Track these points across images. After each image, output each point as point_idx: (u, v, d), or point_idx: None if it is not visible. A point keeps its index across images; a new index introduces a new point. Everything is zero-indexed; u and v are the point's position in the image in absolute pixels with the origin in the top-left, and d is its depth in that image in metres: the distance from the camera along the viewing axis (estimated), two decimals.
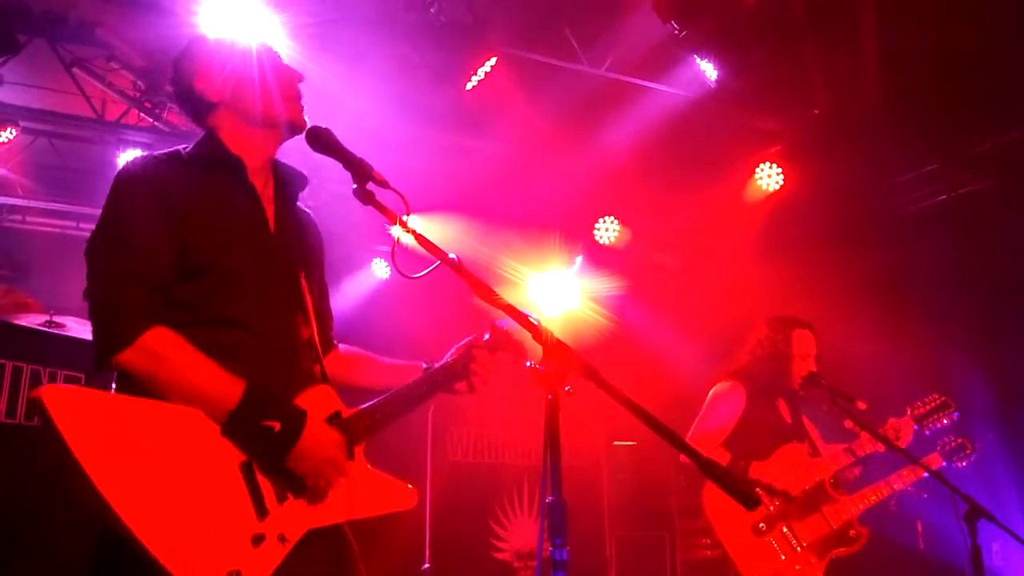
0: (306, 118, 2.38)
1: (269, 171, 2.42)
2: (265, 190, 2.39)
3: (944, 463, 4.40)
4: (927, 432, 4.42)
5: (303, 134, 2.29)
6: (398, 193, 2.15)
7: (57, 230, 8.05)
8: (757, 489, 4.00)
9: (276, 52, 2.45)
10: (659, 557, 8.07)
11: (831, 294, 6.56)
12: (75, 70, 6.50)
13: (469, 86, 5.94)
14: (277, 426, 2.08)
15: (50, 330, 4.55)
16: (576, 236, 8.00)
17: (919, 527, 5.63)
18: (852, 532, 4.29)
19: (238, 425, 2.06)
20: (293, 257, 2.40)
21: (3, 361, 3.92)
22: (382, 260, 8.34)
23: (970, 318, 6.43)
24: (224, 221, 2.24)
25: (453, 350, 2.67)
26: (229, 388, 2.06)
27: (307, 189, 2.54)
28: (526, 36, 6.06)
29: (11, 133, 6.61)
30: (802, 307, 4.99)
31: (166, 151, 2.32)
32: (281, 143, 2.42)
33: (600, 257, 8.06)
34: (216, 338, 2.13)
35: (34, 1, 5.71)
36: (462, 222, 7.13)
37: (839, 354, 5.01)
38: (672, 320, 7.96)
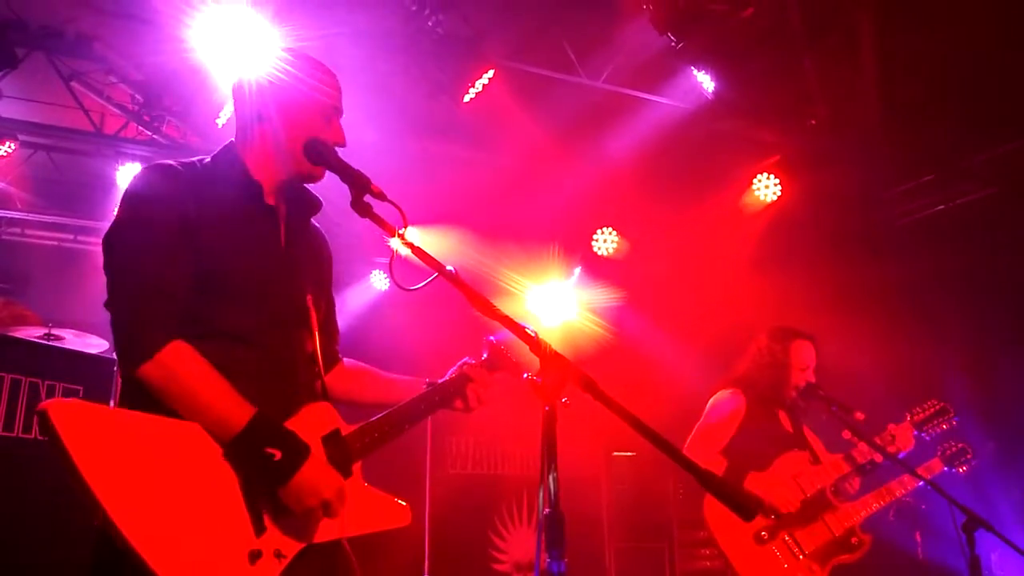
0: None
1: (284, 191, 2.42)
2: (279, 207, 2.40)
3: (945, 468, 4.40)
4: (927, 437, 4.43)
5: (308, 152, 2.30)
6: (395, 205, 2.16)
7: (55, 243, 8.07)
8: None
9: (337, 85, 2.43)
10: (658, 568, 8.04)
11: (829, 305, 6.57)
12: (73, 84, 6.53)
13: (467, 98, 5.95)
14: (278, 455, 2.08)
15: (48, 342, 4.56)
16: (574, 247, 8.01)
17: (918, 537, 5.62)
18: (854, 539, 4.29)
19: (240, 449, 2.07)
20: (302, 274, 2.41)
21: (1, 374, 3.92)
22: (381, 272, 8.35)
23: (968, 328, 6.43)
24: (234, 235, 2.24)
25: (454, 368, 2.69)
26: (238, 411, 2.07)
27: None
28: (524, 48, 6.08)
29: (10, 147, 6.63)
30: (800, 318, 4.99)
31: (181, 161, 2.32)
32: (301, 181, 2.41)
33: (598, 268, 8.06)
34: (220, 351, 2.14)
35: (32, 15, 5.74)
36: (460, 234, 7.14)
37: (838, 364, 5.01)
38: (670, 331, 7.96)
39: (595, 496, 8.10)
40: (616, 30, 5.98)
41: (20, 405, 3.93)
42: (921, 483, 4.05)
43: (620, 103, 6.41)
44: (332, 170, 2.26)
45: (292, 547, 2.14)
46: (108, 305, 2.13)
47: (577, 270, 8.06)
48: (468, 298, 2.04)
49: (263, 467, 2.08)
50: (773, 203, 7.21)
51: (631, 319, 8.02)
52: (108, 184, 6.76)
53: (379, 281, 8.40)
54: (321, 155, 2.28)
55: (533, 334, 1.96)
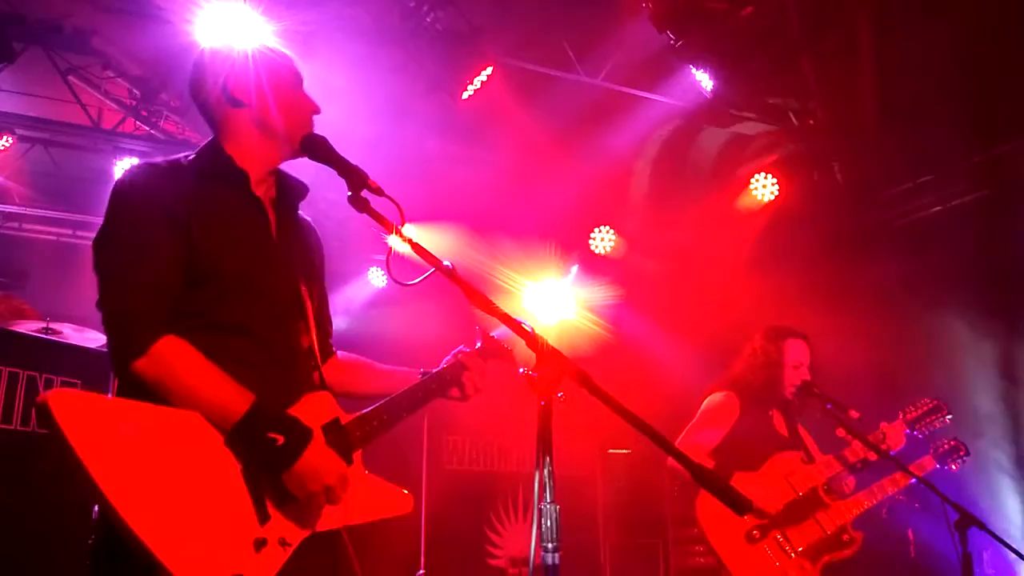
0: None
1: (272, 180, 2.43)
2: (267, 199, 2.41)
3: (937, 466, 4.41)
4: (920, 436, 4.44)
5: (301, 145, 2.32)
6: (393, 201, 2.16)
7: (53, 238, 8.06)
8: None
9: (302, 76, 2.46)
10: (652, 565, 8.07)
11: (825, 304, 6.58)
12: (71, 78, 6.53)
13: (465, 95, 5.95)
14: (281, 440, 2.09)
15: (47, 337, 4.56)
16: (572, 246, 8.02)
17: (910, 535, 5.64)
18: (846, 537, 4.30)
19: (242, 435, 2.07)
20: (294, 265, 2.41)
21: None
22: (378, 269, 8.36)
23: (965, 328, 6.45)
24: (226, 229, 2.25)
25: (448, 357, 2.70)
26: (238, 399, 2.08)
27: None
28: (522, 46, 6.09)
29: (7, 141, 6.62)
30: (797, 317, 5.01)
31: (166, 159, 2.33)
32: (285, 159, 2.43)
33: (595, 266, 8.08)
34: (217, 344, 2.14)
35: (30, 9, 5.73)
36: (457, 231, 7.15)
37: (833, 363, 5.03)
38: (666, 329, 7.97)
39: (591, 493, 8.13)
40: (615, 28, 5.99)
41: (18, 398, 3.93)
42: (914, 481, 4.06)
43: (619, 101, 6.42)
44: (330, 165, 2.27)
45: (297, 535, 2.14)
46: (99, 304, 2.13)
47: (574, 268, 8.07)
48: (465, 294, 2.05)
49: (266, 452, 2.09)
50: (770, 203, 7.23)
51: (628, 317, 8.04)
52: (106, 179, 6.73)
53: (377, 278, 8.40)
54: (319, 150, 2.29)
55: (530, 329, 1.97)
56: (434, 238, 6.94)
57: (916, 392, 4.66)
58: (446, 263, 2.11)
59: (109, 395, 2.13)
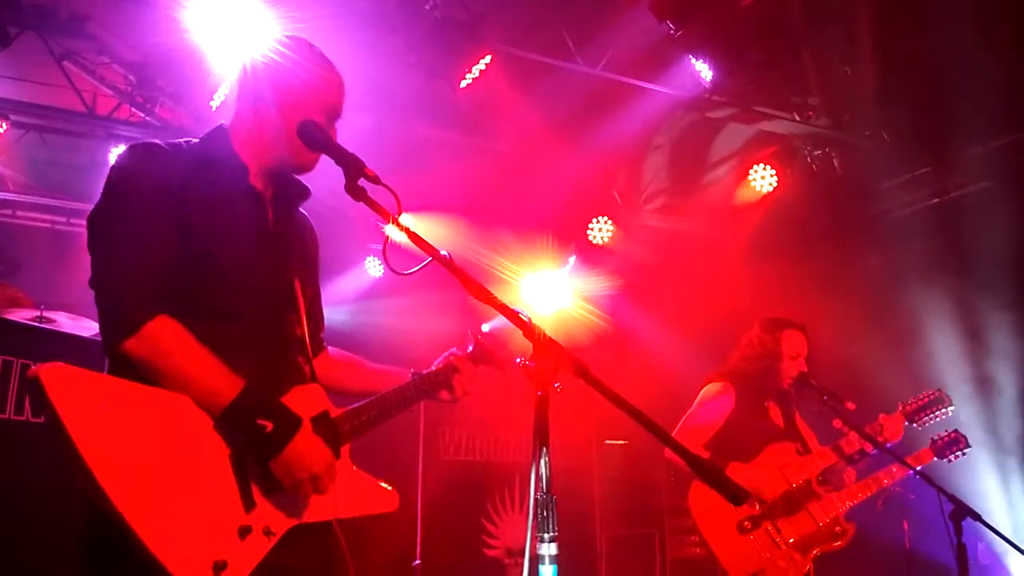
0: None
1: (272, 175, 2.41)
2: (265, 191, 2.39)
3: (936, 459, 4.39)
4: (919, 427, 4.43)
5: (302, 133, 2.29)
6: (390, 189, 2.15)
7: (48, 225, 8.02)
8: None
9: (342, 88, 2.42)
10: (648, 555, 8.10)
11: (824, 295, 6.58)
12: (65, 64, 6.47)
13: (463, 84, 5.92)
14: (270, 426, 2.08)
15: (41, 325, 4.54)
16: (569, 236, 8.01)
17: (905, 526, 5.65)
18: (838, 528, 4.31)
19: (231, 420, 2.07)
20: (289, 257, 2.40)
21: None
22: (375, 258, 8.34)
23: (961, 320, 6.46)
24: (222, 216, 2.24)
25: (440, 359, 2.71)
26: (228, 383, 2.07)
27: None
28: (522, 34, 6.05)
29: (1, 127, 6.58)
30: (794, 308, 5.00)
31: (168, 141, 2.31)
32: (285, 171, 2.40)
33: (593, 257, 8.07)
34: (209, 331, 2.13)
35: None
36: (454, 221, 7.13)
37: (830, 355, 5.03)
38: (664, 320, 7.98)
39: (587, 483, 8.15)
40: (615, 17, 5.95)
41: (11, 387, 3.92)
42: (909, 473, 4.06)
43: (618, 91, 6.39)
44: (326, 152, 2.25)
45: (282, 525, 2.14)
46: (92, 283, 2.11)
47: (572, 259, 8.06)
48: (462, 283, 2.04)
49: (254, 438, 2.08)
50: (769, 194, 7.22)
51: (625, 308, 8.04)
52: (101, 166, 6.70)
53: (373, 267, 8.38)
54: (315, 136, 2.26)
55: (526, 319, 1.96)
56: (431, 228, 6.92)
57: (913, 383, 4.66)
58: (443, 252, 2.10)
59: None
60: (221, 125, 2.40)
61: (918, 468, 3.97)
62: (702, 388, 4.62)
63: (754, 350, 4.54)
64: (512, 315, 1.99)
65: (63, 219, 7.99)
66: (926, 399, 4.43)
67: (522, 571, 1.71)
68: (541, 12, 6.09)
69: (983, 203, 6.45)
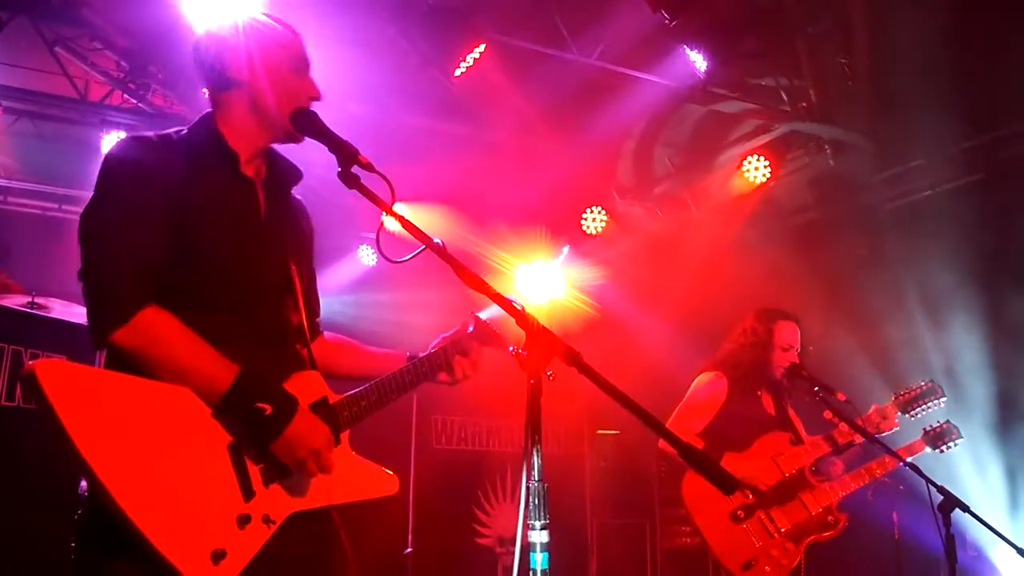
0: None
1: (262, 160, 2.40)
2: (257, 177, 2.38)
3: (927, 449, 4.41)
4: (911, 418, 4.45)
5: (290, 119, 2.28)
6: (383, 177, 2.14)
7: (39, 211, 7.98)
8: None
9: (310, 61, 2.41)
10: (639, 544, 8.13)
11: (816, 286, 6.61)
12: (58, 50, 6.43)
13: (457, 73, 5.90)
14: (268, 409, 2.08)
15: (32, 311, 4.53)
16: (563, 226, 8.00)
17: (895, 516, 5.69)
18: (830, 518, 4.33)
19: (229, 406, 2.06)
20: (283, 244, 2.39)
21: None
22: (368, 247, 8.32)
23: (954, 311, 6.48)
24: (215, 207, 2.23)
25: (438, 340, 2.69)
26: (223, 371, 2.07)
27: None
28: (516, 23, 6.03)
29: None
30: (787, 298, 5.02)
31: (158, 132, 2.29)
32: (278, 142, 2.39)
33: (587, 246, 8.07)
34: (206, 322, 2.13)
35: None
36: (447, 211, 7.12)
37: (823, 345, 5.05)
38: (657, 310, 7.99)
39: (578, 473, 8.17)
40: (609, 6, 5.94)
41: (2, 373, 3.91)
42: (900, 463, 4.08)
43: (612, 81, 6.38)
44: (320, 140, 2.24)
45: (280, 512, 2.14)
46: (81, 275, 2.09)
47: (565, 248, 8.05)
48: (456, 271, 2.04)
49: (254, 422, 2.08)
50: (762, 184, 7.22)
51: (618, 297, 8.04)
52: (93, 152, 6.66)
53: (366, 256, 8.37)
54: (309, 124, 2.26)
55: (520, 308, 1.96)
56: (423, 217, 6.91)
57: (905, 373, 4.68)
58: (436, 240, 2.10)
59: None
60: (207, 113, 2.38)
61: (908, 459, 3.99)
62: (694, 378, 4.63)
63: (747, 340, 4.56)
64: (505, 303, 1.99)
65: (55, 205, 7.95)
66: (919, 389, 4.45)
67: (513, 559, 1.71)
68: (535, 1, 6.07)
69: (974, 196, 6.47)
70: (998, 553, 5.87)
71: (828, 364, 4.74)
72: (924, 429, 4.46)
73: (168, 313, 2.08)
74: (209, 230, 2.19)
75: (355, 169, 2.17)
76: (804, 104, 6.67)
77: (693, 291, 7.57)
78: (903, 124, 6.54)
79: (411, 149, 6.67)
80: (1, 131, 7.19)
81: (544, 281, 7.71)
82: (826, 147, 7.12)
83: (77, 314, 5.10)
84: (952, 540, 3.47)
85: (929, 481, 3.60)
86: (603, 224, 7.99)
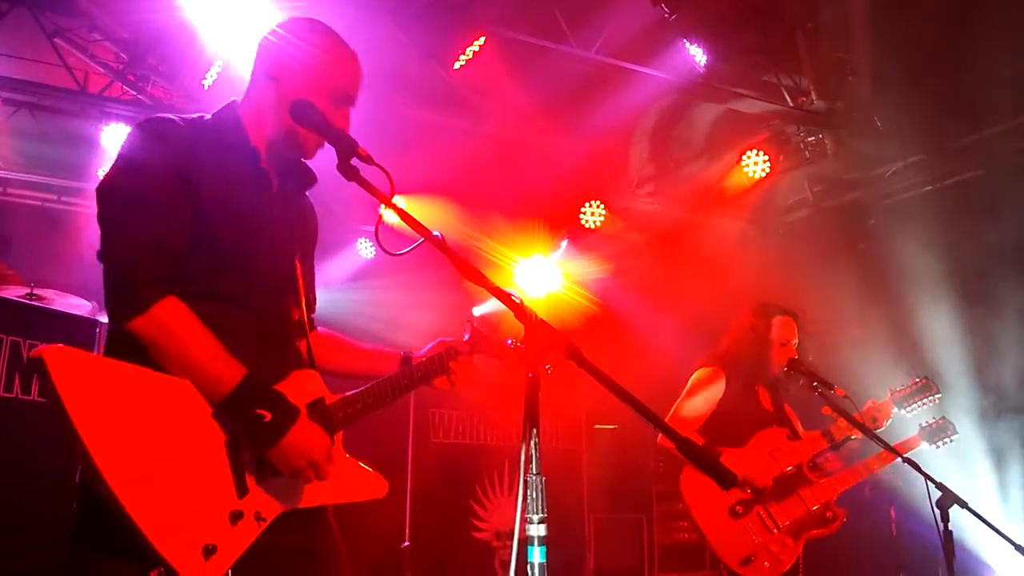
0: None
1: (278, 158, 2.40)
2: (274, 174, 2.38)
3: (924, 444, 4.42)
4: (908, 414, 4.46)
5: (294, 111, 2.27)
6: (383, 169, 2.13)
7: (38, 203, 7.97)
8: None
9: (355, 72, 2.40)
10: (637, 539, 8.15)
11: (816, 281, 6.60)
12: (57, 41, 6.41)
13: (457, 66, 5.89)
14: (268, 416, 2.08)
15: (31, 302, 4.54)
16: (562, 220, 8.00)
17: (892, 512, 5.70)
18: (829, 514, 4.34)
19: (230, 408, 2.07)
20: (291, 239, 2.40)
21: None
22: (366, 240, 8.32)
23: (953, 306, 6.49)
24: (231, 197, 2.22)
25: (434, 343, 2.69)
26: (229, 371, 2.07)
27: None
28: (516, 16, 6.02)
29: None
30: (786, 293, 5.02)
31: (183, 116, 2.28)
32: (284, 145, 2.36)
33: (585, 241, 8.06)
34: (213, 312, 2.13)
35: None
36: (447, 204, 7.11)
37: (822, 341, 5.05)
38: (655, 304, 7.99)
39: (576, 467, 8.17)
40: (609, 0, 5.92)
41: (1, 364, 3.91)
42: (898, 459, 4.08)
43: (611, 75, 6.37)
44: (317, 131, 2.23)
45: (272, 511, 2.15)
46: (101, 257, 2.09)
47: (564, 243, 8.05)
48: (454, 264, 2.03)
49: (253, 428, 2.08)
50: (761, 179, 7.22)
51: (617, 291, 8.05)
52: (92, 144, 6.66)
53: (365, 249, 8.36)
54: (307, 115, 2.25)
55: (518, 301, 1.96)
56: (422, 211, 6.90)
57: (903, 368, 4.68)
58: (435, 233, 2.09)
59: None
60: (233, 103, 2.38)
61: (906, 455, 3.99)
62: (692, 373, 4.63)
63: (745, 336, 4.55)
64: (504, 297, 1.99)
65: (54, 197, 7.93)
66: (914, 386, 4.46)
67: (511, 553, 1.71)
68: None
69: (976, 191, 6.47)
70: (994, 549, 5.88)
71: (825, 359, 4.74)
72: (920, 425, 4.46)
73: (184, 306, 2.07)
74: (223, 220, 2.19)
75: (354, 161, 2.17)
76: (803, 99, 6.66)
77: (691, 286, 7.58)
78: (903, 118, 6.53)
79: (410, 142, 6.65)
80: (0, 122, 7.17)
81: (542, 275, 7.73)
82: (825, 142, 7.12)
83: (74, 306, 5.10)
84: (950, 536, 3.47)
85: (927, 477, 3.60)
86: (602, 218, 7.98)
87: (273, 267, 2.32)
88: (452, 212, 7.13)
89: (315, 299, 2.64)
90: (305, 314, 2.43)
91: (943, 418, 4.43)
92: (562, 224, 7.96)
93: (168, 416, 2.01)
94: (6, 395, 3.90)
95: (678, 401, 4.51)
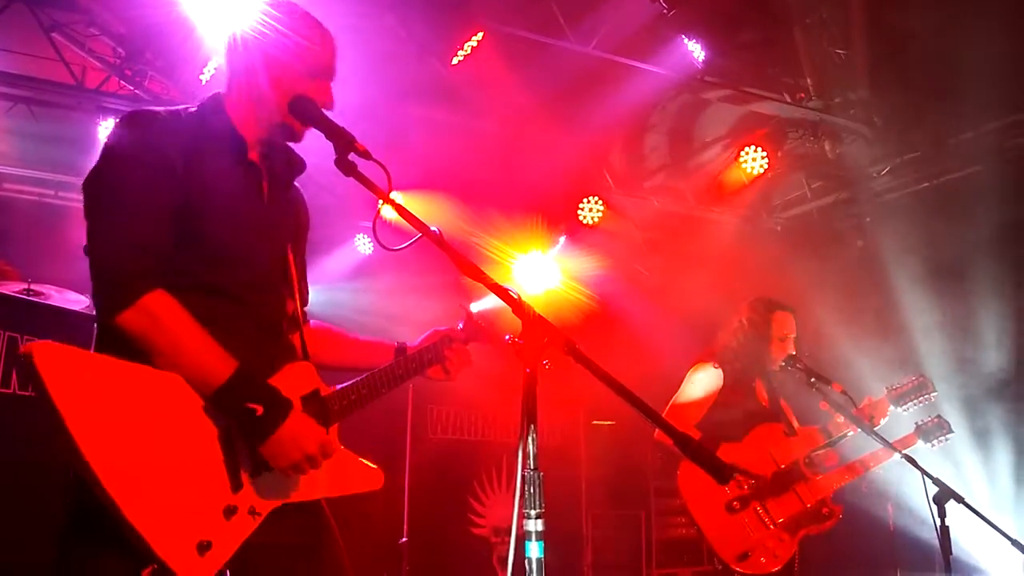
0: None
1: (268, 148, 2.40)
2: (262, 164, 2.38)
3: (920, 443, 4.43)
4: (904, 412, 4.46)
5: (294, 108, 2.27)
6: (380, 164, 2.13)
7: (35, 198, 7.96)
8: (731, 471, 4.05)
9: (332, 46, 2.40)
10: (635, 535, 8.16)
11: (814, 277, 6.60)
12: (54, 35, 6.39)
13: (455, 61, 5.88)
14: (260, 410, 2.08)
15: (28, 298, 4.53)
16: (560, 216, 7.99)
17: (890, 508, 5.71)
18: (825, 510, 4.34)
19: (221, 402, 2.06)
20: (283, 231, 2.39)
21: None
22: (364, 236, 8.30)
23: (950, 303, 6.50)
24: (219, 190, 2.22)
25: (429, 333, 2.68)
26: (221, 364, 2.06)
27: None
28: (513, 11, 6.00)
29: None
30: (784, 290, 5.02)
31: (167, 108, 2.28)
32: (275, 137, 2.38)
33: (583, 237, 8.05)
34: (204, 306, 2.12)
35: None
36: (444, 200, 7.10)
37: (819, 337, 5.06)
38: (653, 300, 7.99)
39: (574, 463, 8.18)
40: None
41: None
42: (895, 456, 4.09)
43: (609, 70, 6.36)
44: (316, 126, 2.24)
45: (267, 505, 2.15)
46: (88, 250, 2.08)
47: (562, 239, 8.04)
48: (452, 260, 2.03)
49: (245, 421, 2.08)
50: (759, 176, 7.22)
51: (614, 288, 8.04)
52: (89, 139, 6.65)
53: (363, 244, 8.35)
54: (306, 111, 2.25)
55: (516, 297, 1.96)
56: (420, 207, 6.89)
57: (900, 366, 4.69)
58: (433, 229, 2.09)
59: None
60: (217, 94, 2.38)
61: (904, 451, 4.00)
62: (690, 368, 4.63)
63: (744, 331, 4.56)
64: (501, 292, 1.99)
65: (51, 192, 7.92)
66: (910, 384, 4.47)
67: (509, 549, 1.71)
68: None
69: (973, 188, 6.47)
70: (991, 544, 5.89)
71: (821, 355, 4.75)
72: (916, 423, 4.47)
73: (173, 299, 2.07)
74: (211, 213, 2.18)
75: (352, 156, 2.17)
76: (802, 95, 6.65)
77: (689, 282, 7.57)
78: (901, 115, 6.53)
79: (407, 138, 6.64)
80: None
81: (540, 271, 7.72)
82: (824, 138, 7.11)
83: (72, 301, 5.09)
84: (947, 531, 3.48)
85: (924, 473, 3.61)
86: (600, 214, 7.98)
87: (264, 259, 2.31)
88: (450, 208, 7.12)
89: (307, 292, 2.63)
90: (299, 307, 2.43)
91: (939, 416, 4.44)
92: (560, 220, 7.95)
93: (160, 411, 2.00)
94: (3, 391, 3.90)
95: (675, 396, 4.51)
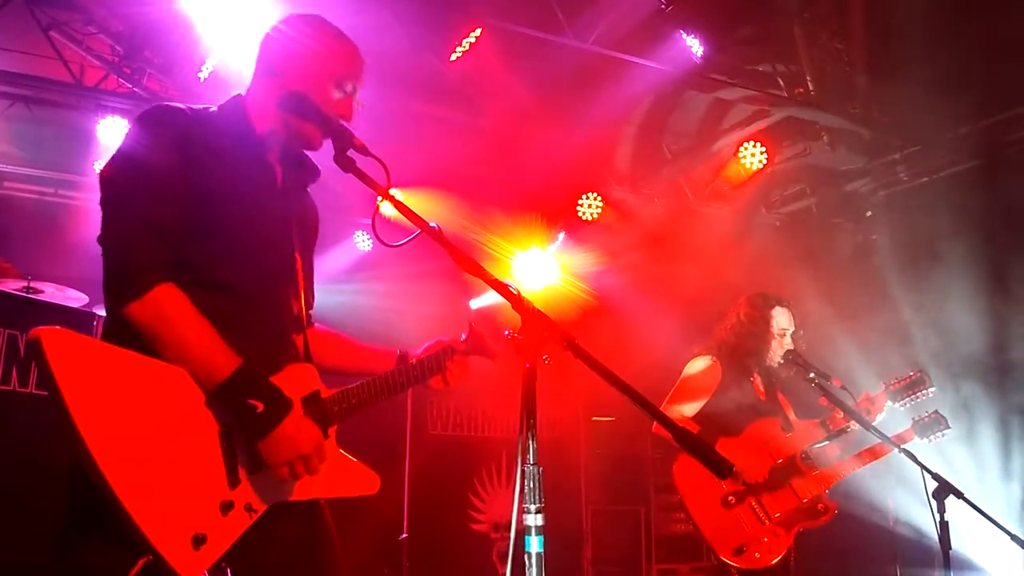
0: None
1: (281, 147, 2.41)
2: (278, 167, 2.40)
3: (918, 438, 4.42)
4: (902, 407, 4.46)
5: (285, 102, 2.28)
6: (379, 160, 2.14)
7: (36, 196, 7.95)
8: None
9: (357, 60, 2.41)
10: (634, 531, 8.17)
11: (813, 272, 6.61)
12: (52, 33, 6.38)
13: (453, 58, 5.87)
14: (260, 407, 2.09)
15: (28, 295, 4.53)
16: (559, 212, 7.99)
17: (889, 503, 5.72)
18: (820, 506, 4.35)
19: (222, 397, 2.07)
20: (293, 233, 2.40)
21: None
22: (363, 233, 8.30)
23: (948, 297, 6.50)
24: (234, 188, 2.23)
25: (431, 343, 2.69)
26: (224, 360, 2.07)
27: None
28: (512, 7, 6.00)
29: None
30: (782, 284, 5.03)
31: (191, 106, 2.30)
32: (291, 142, 2.38)
33: (582, 233, 8.06)
34: (211, 301, 2.13)
35: None
36: (443, 197, 7.10)
37: (817, 332, 5.06)
38: (653, 296, 7.99)
39: (574, 459, 8.19)
40: None
41: None
42: (894, 450, 4.09)
43: (608, 66, 6.35)
44: (311, 122, 2.24)
45: (263, 503, 2.16)
46: (101, 240, 2.10)
47: (561, 235, 8.05)
48: (452, 256, 2.04)
49: (245, 418, 2.08)
50: (758, 170, 7.22)
51: (614, 283, 8.04)
52: (88, 138, 6.64)
53: (362, 242, 8.36)
54: (297, 105, 2.26)
55: (515, 292, 1.96)
56: (418, 204, 6.88)
57: (898, 360, 4.69)
58: (432, 224, 2.10)
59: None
60: (238, 95, 2.40)
61: (902, 446, 4.00)
62: (687, 362, 4.64)
63: (742, 326, 4.56)
64: (501, 288, 1.99)
65: (51, 190, 7.91)
66: (908, 379, 4.46)
67: (508, 544, 1.72)
68: None
69: (971, 183, 6.47)
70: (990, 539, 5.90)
71: (819, 350, 4.75)
72: (914, 419, 4.47)
73: (181, 293, 2.09)
74: (225, 206, 2.20)
75: (351, 152, 2.17)
76: (801, 90, 6.65)
77: (689, 277, 7.58)
78: (900, 110, 6.53)
79: (405, 134, 6.64)
80: None
81: (540, 267, 7.73)
82: (823, 133, 7.12)
83: (71, 299, 5.10)
84: (947, 527, 3.49)
85: (924, 468, 3.61)
86: (599, 211, 7.98)
87: (273, 258, 2.32)
88: (449, 204, 7.12)
89: (313, 295, 2.64)
90: (304, 309, 2.44)
91: (936, 412, 4.43)
92: (559, 216, 7.95)
93: (163, 403, 2.01)
94: (4, 388, 3.90)
95: (673, 390, 4.52)
